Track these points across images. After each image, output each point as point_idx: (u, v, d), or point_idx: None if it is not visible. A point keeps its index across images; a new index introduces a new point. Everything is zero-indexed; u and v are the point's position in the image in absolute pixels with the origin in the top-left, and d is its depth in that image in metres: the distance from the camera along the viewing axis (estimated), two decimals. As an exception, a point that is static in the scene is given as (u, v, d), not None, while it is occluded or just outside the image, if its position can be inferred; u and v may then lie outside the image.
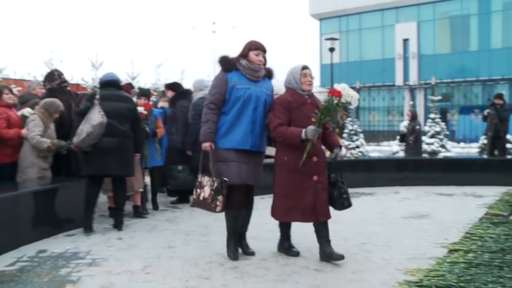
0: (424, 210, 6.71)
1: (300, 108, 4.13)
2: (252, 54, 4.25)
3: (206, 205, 4.22)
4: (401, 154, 13.29)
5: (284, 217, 4.23)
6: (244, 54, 4.27)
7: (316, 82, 38.33)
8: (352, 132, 16.09)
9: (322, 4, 33.98)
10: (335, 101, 3.92)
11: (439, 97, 15.29)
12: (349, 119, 18.31)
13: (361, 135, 16.25)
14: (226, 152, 4.16)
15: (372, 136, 21.85)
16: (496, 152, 11.50)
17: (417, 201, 7.54)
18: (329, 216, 4.16)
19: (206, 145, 4.18)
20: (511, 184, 8.70)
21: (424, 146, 14.28)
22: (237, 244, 4.35)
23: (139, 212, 6.23)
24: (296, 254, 4.33)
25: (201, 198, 4.24)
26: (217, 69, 4.37)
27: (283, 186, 4.13)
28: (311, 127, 3.96)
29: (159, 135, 6.68)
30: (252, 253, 4.39)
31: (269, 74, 4.41)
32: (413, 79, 29.52)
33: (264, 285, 3.58)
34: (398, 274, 3.74)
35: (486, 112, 11.50)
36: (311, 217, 4.10)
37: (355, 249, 4.55)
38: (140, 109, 6.17)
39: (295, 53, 47.94)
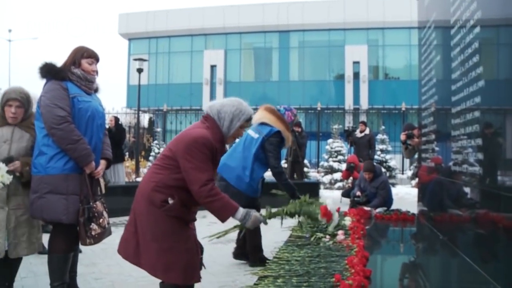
0: (232, 234, 6.61)
1: (215, 159, 3.10)
2: (85, 63, 3.64)
3: (106, 230, 3.63)
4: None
5: (196, 276, 3.19)
6: (75, 62, 3.62)
7: (123, 103, 37.39)
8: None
9: (131, 24, 33.37)
10: (320, 221, 3.14)
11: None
12: (155, 142, 18.01)
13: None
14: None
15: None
16: (295, 176, 12.29)
17: (225, 225, 7.44)
18: None
19: (93, 165, 3.54)
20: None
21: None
22: None
23: None
24: None
25: (106, 225, 3.62)
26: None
27: (179, 238, 3.10)
28: (258, 216, 3.13)
29: None
30: None
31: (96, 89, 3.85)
32: (219, 104, 30.48)
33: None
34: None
35: (287, 138, 12.22)
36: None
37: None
38: None
39: (102, 71, 45.97)
